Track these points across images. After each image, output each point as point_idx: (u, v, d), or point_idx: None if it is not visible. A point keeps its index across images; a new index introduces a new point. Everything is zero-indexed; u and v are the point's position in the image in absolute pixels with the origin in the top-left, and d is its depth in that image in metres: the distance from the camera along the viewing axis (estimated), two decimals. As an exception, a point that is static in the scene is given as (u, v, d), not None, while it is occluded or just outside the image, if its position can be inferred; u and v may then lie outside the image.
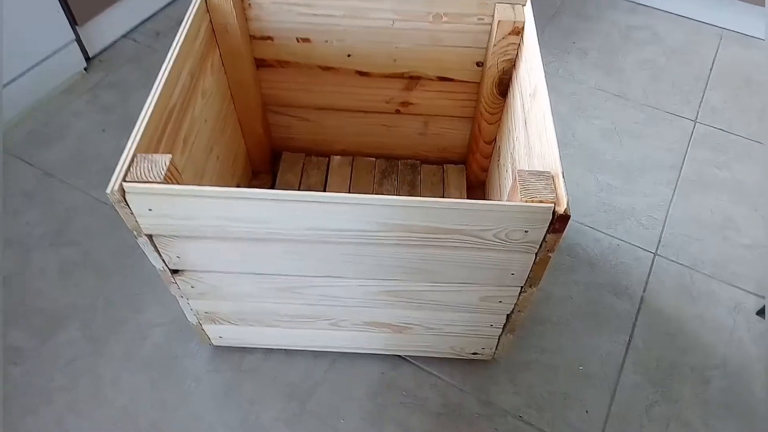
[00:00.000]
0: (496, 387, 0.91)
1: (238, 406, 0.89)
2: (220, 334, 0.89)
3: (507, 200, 0.66)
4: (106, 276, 1.02)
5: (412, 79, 0.97)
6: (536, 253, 0.67)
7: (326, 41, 0.92)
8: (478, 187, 1.09)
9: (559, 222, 0.62)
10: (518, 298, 0.75)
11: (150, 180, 0.62)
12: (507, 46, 0.85)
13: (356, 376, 0.92)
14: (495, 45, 0.85)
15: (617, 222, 1.12)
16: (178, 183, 0.66)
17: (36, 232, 1.07)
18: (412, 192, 1.05)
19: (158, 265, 0.73)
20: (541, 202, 0.61)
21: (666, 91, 1.38)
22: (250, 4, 0.87)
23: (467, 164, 1.09)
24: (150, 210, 0.64)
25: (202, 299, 0.80)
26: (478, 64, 0.93)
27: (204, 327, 0.87)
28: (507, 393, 0.91)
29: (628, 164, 1.22)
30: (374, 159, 1.10)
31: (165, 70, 0.72)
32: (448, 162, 1.11)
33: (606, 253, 1.08)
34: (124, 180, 0.62)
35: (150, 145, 0.67)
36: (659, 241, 1.10)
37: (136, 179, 0.62)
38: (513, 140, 0.86)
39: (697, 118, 1.32)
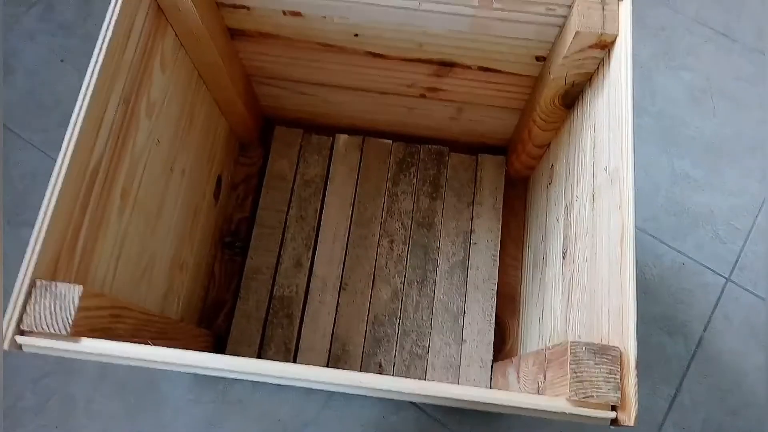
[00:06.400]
0: (509, 443, 0.80)
1: (221, 444, 0.81)
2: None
3: (546, 380, 0.48)
4: (74, 269, 0.88)
5: (444, 66, 0.70)
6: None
7: (324, 17, 0.64)
8: (519, 183, 0.87)
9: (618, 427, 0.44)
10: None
11: (53, 333, 0.44)
12: (584, 59, 0.58)
13: (352, 418, 0.81)
14: (566, 56, 0.57)
15: (688, 231, 0.91)
16: (105, 305, 0.49)
17: (-9, 204, 0.91)
18: (433, 195, 0.83)
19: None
20: (596, 406, 0.43)
21: (789, 30, 1.03)
22: (210, -34, 0.59)
23: (509, 160, 0.85)
24: (63, 358, 0.48)
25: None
26: (538, 58, 0.66)
27: (177, 371, 0.75)
28: (521, 452, 0.80)
29: (716, 144, 0.96)
30: (391, 141, 0.86)
31: (76, 120, 0.49)
32: (485, 149, 0.87)
33: (667, 274, 0.88)
34: (18, 330, 0.45)
35: (57, 253, 0.48)
36: (736, 261, 0.89)
37: (35, 329, 0.45)
38: (573, 190, 0.62)
39: (822, 73, 1.00)
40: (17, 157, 0.94)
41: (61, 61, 1.01)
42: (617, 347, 0.44)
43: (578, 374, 0.43)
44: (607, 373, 0.43)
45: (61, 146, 0.48)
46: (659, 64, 1.01)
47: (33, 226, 0.45)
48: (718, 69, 1.00)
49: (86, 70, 0.50)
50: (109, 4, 0.52)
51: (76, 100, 0.49)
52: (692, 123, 0.97)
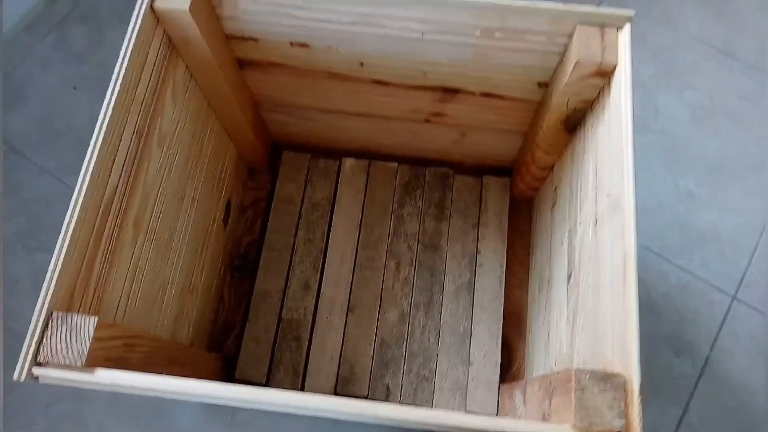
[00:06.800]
0: (518, 464, 0.80)
1: (232, 466, 0.81)
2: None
3: (552, 406, 0.48)
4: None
5: (448, 92, 0.71)
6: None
7: (330, 47, 0.66)
8: (524, 204, 0.88)
9: (624, 454, 0.44)
10: None
11: (68, 364, 0.46)
12: (585, 86, 0.59)
13: (361, 440, 0.82)
14: (567, 84, 0.59)
15: (694, 249, 0.91)
16: (118, 335, 0.50)
17: (5, 230, 0.93)
18: (438, 217, 0.85)
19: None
20: (601, 432, 0.43)
21: (790, 48, 1.04)
22: (220, 1, 0.61)
23: (513, 181, 0.86)
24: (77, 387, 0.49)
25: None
26: (540, 84, 0.67)
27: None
28: (530, 473, 0.80)
29: (719, 162, 0.96)
30: (396, 164, 0.88)
31: (92, 152, 0.51)
32: (489, 170, 0.88)
33: (672, 292, 0.89)
34: (35, 361, 0.46)
35: (73, 283, 0.49)
36: (742, 279, 0.89)
37: (51, 361, 0.46)
38: (576, 215, 0.63)
39: (824, 90, 1.01)
40: (30, 183, 0.96)
41: (74, 88, 1.03)
42: (621, 374, 0.45)
43: (582, 401, 0.44)
44: (611, 400, 0.44)
45: (73, 172, 0.50)
46: (661, 84, 1.02)
47: (47, 250, 0.46)
48: (719, 87, 1.01)
49: (99, 98, 0.52)
50: (122, 33, 0.54)
51: (88, 127, 0.51)
52: (695, 140, 0.98)
